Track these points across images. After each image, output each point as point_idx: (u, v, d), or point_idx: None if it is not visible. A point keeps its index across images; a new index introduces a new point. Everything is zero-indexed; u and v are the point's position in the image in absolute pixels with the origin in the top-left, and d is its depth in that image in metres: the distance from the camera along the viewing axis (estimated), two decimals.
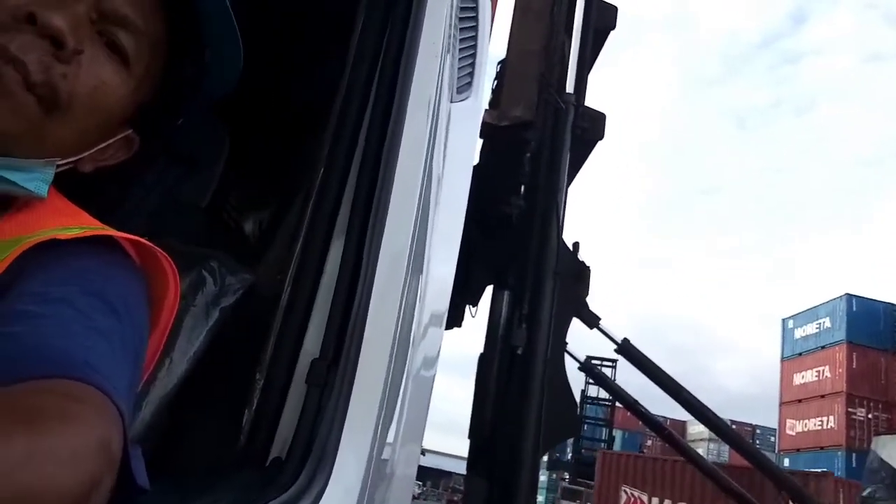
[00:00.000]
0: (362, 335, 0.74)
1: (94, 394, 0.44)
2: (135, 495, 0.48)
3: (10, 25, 0.52)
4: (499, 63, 4.28)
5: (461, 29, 1.42)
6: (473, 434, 4.10)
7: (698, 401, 4.57)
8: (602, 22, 4.61)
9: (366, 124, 0.80)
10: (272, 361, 0.73)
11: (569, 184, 4.30)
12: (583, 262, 4.10)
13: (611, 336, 4.48)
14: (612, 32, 4.73)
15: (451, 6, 1.09)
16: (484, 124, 3.83)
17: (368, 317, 0.76)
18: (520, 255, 4.05)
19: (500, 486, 3.57)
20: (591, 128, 4.45)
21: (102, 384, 0.44)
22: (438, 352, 1.78)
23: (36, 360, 0.44)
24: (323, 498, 0.65)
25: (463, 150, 1.65)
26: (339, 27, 0.84)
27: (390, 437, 0.99)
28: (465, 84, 1.48)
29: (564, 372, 3.93)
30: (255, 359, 0.75)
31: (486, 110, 3.87)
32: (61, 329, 0.48)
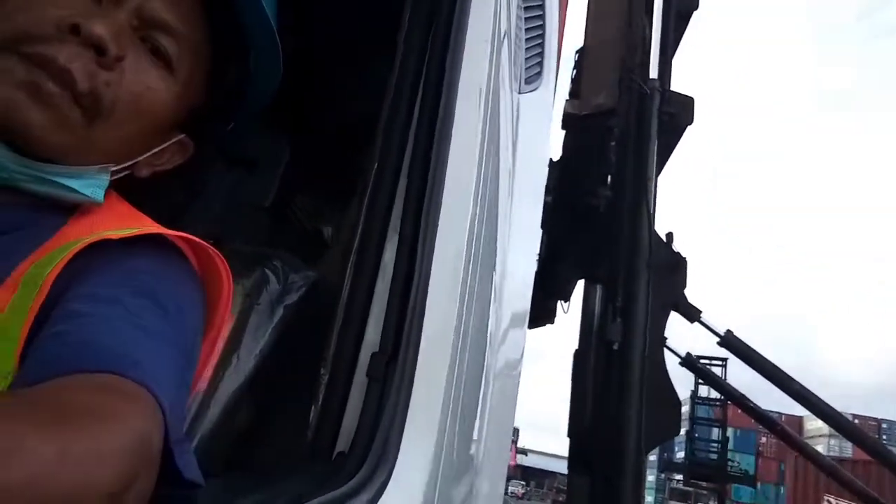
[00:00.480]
0: (420, 330, 0.74)
1: (135, 389, 0.44)
2: (186, 490, 0.48)
3: (55, 37, 0.54)
4: (577, 52, 4.17)
5: (526, 19, 1.39)
6: (573, 432, 4.02)
7: (812, 394, 4.29)
8: (684, 3, 4.43)
9: (415, 119, 0.80)
10: (335, 357, 0.74)
11: (658, 172, 4.15)
12: (678, 253, 3.93)
13: (713, 329, 4.28)
14: (695, 13, 4.53)
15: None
16: (565, 115, 3.72)
17: (427, 312, 0.75)
18: (610, 248, 3.95)
19: (603, 484, 3.49)
20: (678, 113, 4.26)
21: (144, 379, 0.44)
22: (521, 348, 1.76)
23: (79, 356, 0.45)
24: (386, 490, 0.65)
25: (535, 140, 1.63)
26: (384, 25, 0.84)
27: (466, 433, 0.98)
28: (533, 74, 1.45)
29: (665, 369, 3.78)
30: (319, 354, 0.76)
31: (566, 100, 3.78)
32: (107, 326, 0.48)
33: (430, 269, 0.77)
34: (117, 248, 0.56)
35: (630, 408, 3.41)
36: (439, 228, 0.79)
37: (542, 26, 1.38)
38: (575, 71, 4.01)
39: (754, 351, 4.26)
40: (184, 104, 0.65)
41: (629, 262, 3.78)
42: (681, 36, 4.53)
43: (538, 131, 1.45)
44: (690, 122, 4.33)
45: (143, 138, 0.63)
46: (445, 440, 0.81)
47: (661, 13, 4.26)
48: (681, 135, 4.35)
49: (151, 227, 0.60)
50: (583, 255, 4.34)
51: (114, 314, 0.49)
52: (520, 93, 1.31)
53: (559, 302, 5.22)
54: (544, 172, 1.56)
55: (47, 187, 0.58)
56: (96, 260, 0.54)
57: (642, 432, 3.32)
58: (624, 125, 4.00)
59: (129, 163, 0.63)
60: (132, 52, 0.59)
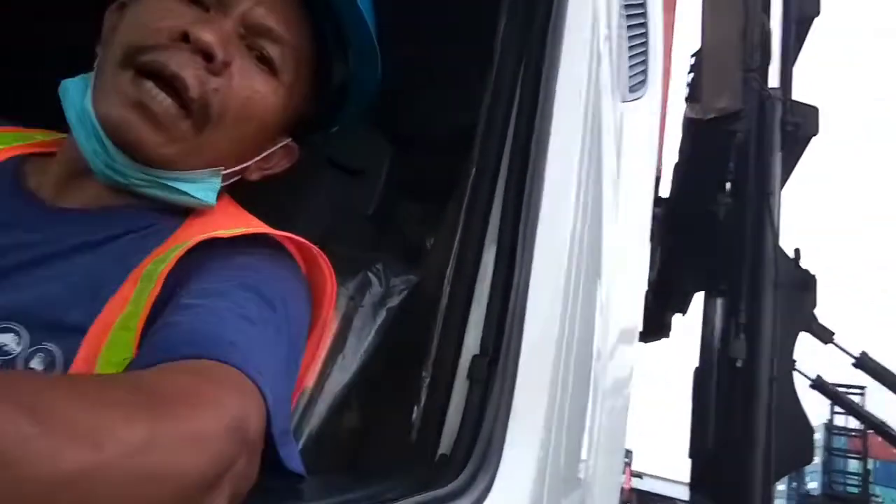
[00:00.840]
0: (521, 333, 0.73)
1: (234, 374, 0.44)
2: (288, 480, 0.49)
3: (168, 45, 0.58)
4: (693, 54, 4.02)
5: (629, 26, 1.36)
6: (695, 453, 3.84)
7: None
8: (804, 9, 4.21)
9: (512, 125, 0.80)
10: (437, 359, 0.74)
11: (782, 185, 3.94)
12: (806, 271, 3.70)
13: (846, 350, 3.96)
14: (816, 19, 4.30)
15: (606, 5, 1.04)
16: (685, 119, 3.61)
17: (528, 315, 0.74)
18: (731, 259, 3.76)
19: None
20: (803, 123, 4.05)
21: (244, 365, 0.45)
22: (631, 364, 1.69)
23: (185, 343, 0.46)
24: (490, 494, 0.64)
25: (642, 150, 1.58)
26: (480, 33, 0.84)
27: (573, 441, 0.96)
28: (638, 82, 1.42)
29: (795, 393, 3.54)
30: (421, 356, 0.76)
31: (687, 105, 3.63)
32: (214, 317, 0.50)
33: (530, 273, 0.76)
34: (227, 246, 0.59)
35: (757, 430, 3.19)
36: (538, 233, 0.78)
37: (646, 33, 1.34)
38: (692, 74, 3.85)
39: (893, 374, 3.89)
40: (289, 108, 0.67)
41: (753, 277, 3.58)
42: (801, 43, 4.30)
43: (644, 141, 1.40)
44: (815, 132, 4.08)
45: (252, 143, 0.66)
46: (551, 446, 0.79)
47: (781, 20, 4.06)
48: (805, 146, 4.11)
49: (259, 226, 0.64)
50: (701, 267, 4.15)
51: (221, 306, 0.51)
52: (623, 101, 1.27)
53: (676, 314, 5.02)
54: (652, 183, 1.50)
55: (163, 192, 0.62)
56: (207, 257, 0.58)
57: (771, 458, 3.10)
58: (747, 131, 3.81)
59: (240, 167, 0.67)
60: (239, 58, 0.62)
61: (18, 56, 1.12)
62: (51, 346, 0.52)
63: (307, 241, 0.64)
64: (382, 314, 0.80)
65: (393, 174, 0.96)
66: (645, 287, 1.52)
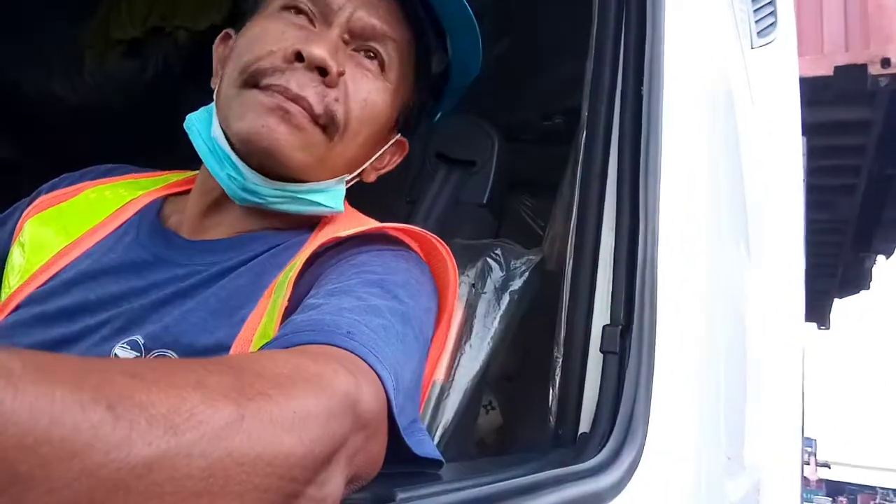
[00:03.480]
0: (654, 298, 0.67)
1: (348, 357, 0.43)
2: (422, 466, 0.48)
3: (284, 67, 0.60)
4: None
5: None
6: None
7: None
8: None
9: (619, 87, 0.75)
10: (567, 336, 0.71)
11: None
12: None
13: None
14: None
15: None
16: (883, 60, 3.21)
17: (660, 280, 0.69)
18: None
19: None
20: None
21: (358, 349, 0.44)
22: (797, 338, 1.53)
23: (300, 332, 0.46)
24: (637, 471, 0.59)
25: (781, 96, 1.44)
26: (578, 15, 0.81)
27: (733, 421, 0.87)
28: (767, 26, 1.30)
29: None
30: (550, 336, 0.73)
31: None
32: (334, 309, 0.50)
33: (657, 242, 0.70)
34: (347, 248, 0.60)
35: None
36: (661, 197, 0.72)
37: None
38: None
39: None
40: (398, 104, 0.68)
41: None
42: None
43: (783, 86, 1.28)
44: None
45: (371, 144, 0.68)
46: (707, 423, 0.72)
47: None
48: None
49: (374, 223, 0.64)
50: None
51: (345, 301, 0.51)
52: (752, 47, 1.17)
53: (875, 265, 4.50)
54: (798, 138, 1.36)
55: (297, 205, 0.64)
56: (330, 261, 0.59)
57: None
58: None
59: (359, 170, 0.68)
60: (349, 64, 0.63)
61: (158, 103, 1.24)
62: None
63: (423, 231, 0.64)
64: (506, 298, 0.78)
65: (504, 164, 0.95)
66: (802, 263, 1.36)
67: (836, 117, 3.44)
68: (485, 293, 0.77)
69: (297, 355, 0.41)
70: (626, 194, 0.70)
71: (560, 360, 0.71)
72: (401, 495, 0.38)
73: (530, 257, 0.80)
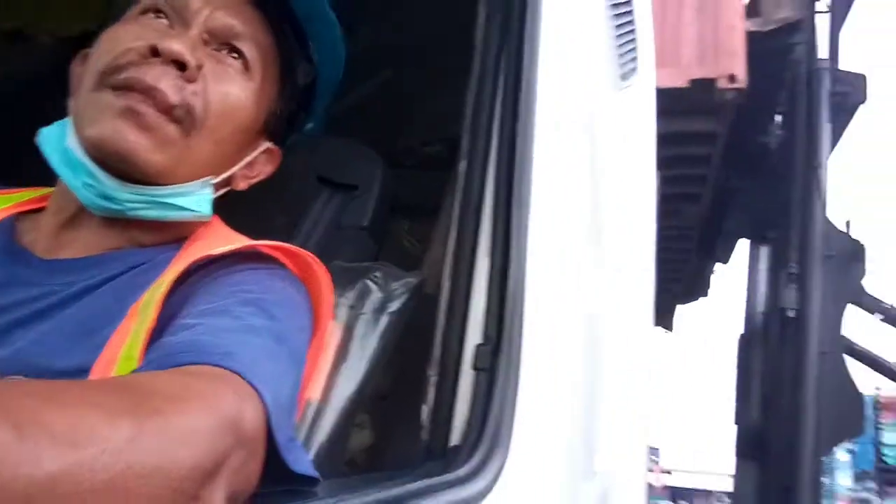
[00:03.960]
0: (522, 318, 0.73)
1: (230, 376, 0.44)
2: (299, 483, 0.48)
3: (139, 61, 0.60)
4: None
5: (615, 15, 1.38)
6: (740, 420, 3.79)
7: None
8: None
9: (497, 120, 0.81)
10: (441, 355, 0.74)
11: (829, 153, 3.89)
12: (857, 241, 3.60)
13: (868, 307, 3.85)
14: None
15: None
16: (747, 34, 3.55)
17: (527, 300, 0.74)
18: (781, 201, 3.68)
19: (777, 482, 3.23)
20: (851, 92, 3.98)
21: (238, 368, 0.45)
22: (646, 349, 1.66)
23: (181, 353, 0.46)
24: (501, 476, 0.63)
25: (639, 132, 1.58)
26: (462, 45, 0.86)
27: (587, 430, 0.94)
28: (629, 70, 1.43)
29: (844, 365, 3.45)
30: (426, 357, 0.77)
31: (747, 20, 3.61)
32: (211, 330, 0.50)
33: (525, 261, 0.76)
34: (219, 266, 0.59)
35: (806, 398, 3.13)
36: (531, 221, 0.78)
37: (632, 18, 1.36)
38: None
39: None
40: (263, 108, 0.68)
41: (801, 245, 3.52)
42: (848, 9, 4.27)
43: (641, 125, 1.41)
44: (863, 100, 4.03)
45: (235, 146, 0.67)
46: (564, 432, 0.79)
47: None
48: (852, 115, 4.07)
49: (246, 241, 0.64)
50: (750, 209, 4.11)
51: (221, 322, 0.51)
52: (617, 88, 1.29)
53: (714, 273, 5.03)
54: (652, 168, 1.51)
55: (158, 210, 0.62)
56: (203, 280, 0.58)
57: (821, 426, 3.02)
58: (808, 43, 3.66)
59: (227, 174, 0.68)
60: (210, 62, 0.63)
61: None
62: None
63: (297, 249, 0.64)
64: (384, 319, 0.80)
65: (386, 189, 0.98)
66: (653, 276, 1.50)
67: (687, 128, 3.72)
68: (364, 314, 0.79)
69: (183, 375, 0.42)
70: (500, 222, 0.75)
71: (434, 379, 0.75)
72: None
73: (409, 280, 0.83)
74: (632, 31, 1.26)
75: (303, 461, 0.49)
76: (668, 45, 3.51)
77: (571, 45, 0.96)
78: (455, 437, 0.69)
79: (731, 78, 3.39)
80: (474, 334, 0.74)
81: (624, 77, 1.31)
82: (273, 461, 0.45)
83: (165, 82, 0.59)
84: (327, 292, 0.65)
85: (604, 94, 1.16)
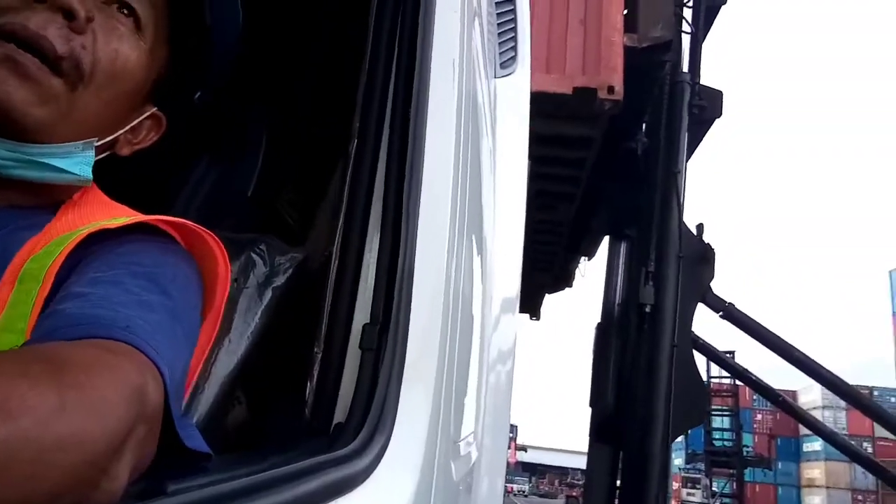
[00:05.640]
0: (410, 299, 0.74)
1: (130, 350, 0.44)
2: (192, 459, 0.48)
3: (21, 6, 0.54)
4: None
5: (496, 4, 1.42)
6: (595, 403, 4.12)
7: (811, 360, 4.44)
8: None
9: (390, 95, 0.81)
10: (328, 333, 0.74)
11: (686, 160, 4.33)
12: (708, 245, 4.03)
13: (713, 306, 4.36)
14: (723, 6, 4.75)
15: None
16: (625, 48, 3.90)
17: (415, 282, 0.76)
18: (642, 200, 4.04)
19: (629, 462, 3.58)
20: (709, 106, 4.37)
21: (139, 344, 0.45)
22: (514, 330, 1.77)
23: (77, 326, 0.45)
24: (385, 455, 0.65)
25: (514, 122, 1.65)
26: (353, 7, 0.85)
27: (462, 410, 0.99)
28: (508, 59, 1.48)
29: (693, 360, 3.89)
30: (312, 333, 0.76)
31: (625, 35, 3.96)
32: (105, 302, 0.49)
33: (416, 243, 0.78)
34: (112, 238, 0.57)
35: (659, 383, 3.50)
36: (421, 205, 0.80)
37: (514, 10, 1.41)
38: (626, 9, 4.15)
39: (755, 322, 4.37)
40: (153, 69, 0.65)
41: (659, 247, 3.88)
42: (709, 27, 4.71)
43: (516, 114, 1.47)
44: (719, 114, 4.50)
45: (121, 107, 0.63)
46: (442, 411, 0.82)
47: (692, 3, 4.44)
48: (708, 127, 4.53)
49: (139, 216, 0.61)
50: (614, 208, 4.49)
51: (113, 293, 0.50)
52: (496, 77, 1.33)
53: (579, 267, 5.55)
54: (524, 158, 1.58)
55: (36, 171, 0.58)
56: (93, 250, 0.55)
57: (670, 415, 3.40)
58: (652, 115, 4.10)
59: (111, 137, 0.63)
60: (99, 15, 0.59)
61: None
62: None
63: (194, 225, 0.62)
64: (268, 294, 0.79)
65: (268, 156, 0.95)
66: (520, 262, 1.59)
67: (568, 132, 4.04)
68: (247, 288, 0.77)
69: (93, 347, 0.42)
70: (391, 203, 0.76)
71: (319, 356, 0.75)
72: (171, 487, 0.39)
73: (294, 255, 0.81)
74: (513, 28, 1.31)
75: (195, 437, 0.49)
76: (554, 53, 3.83)
77: (460, 28, 0.98)
78: (339, 416, 0.70)
79: (611, 89, 3.69)
80: (361, 314, 0.74)
81: (504, 65, 1.36)
82: (168, 437, 0.45)
83: (52, 30, 0.54)
84: (224, 270, 0.64)
85: (485, 81, 1.19)
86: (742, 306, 4.23)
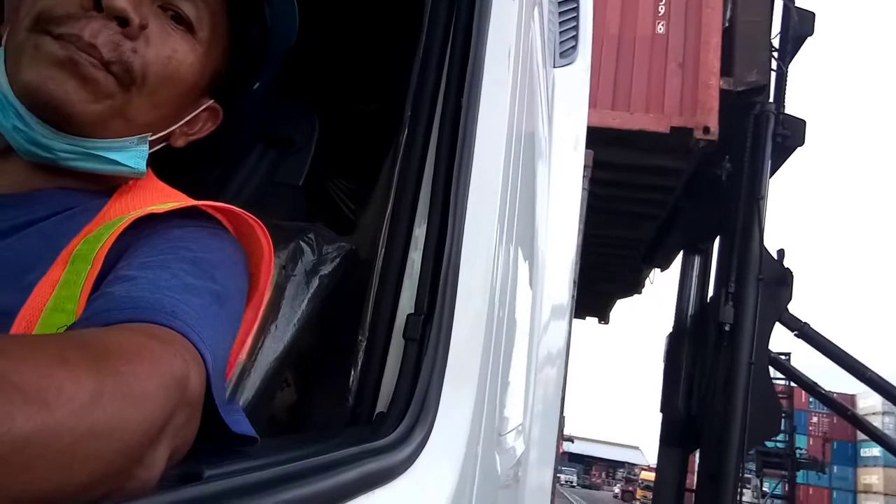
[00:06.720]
0: (455, 290, 0.74)
1: (176, 337, 0.44)
2: (238, 443, 0.49)
3: (80, 15, 0.57)
4: (724, 29, 4.45)
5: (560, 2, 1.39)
6: (665, 409, 4.37)
7: (884, 380, 4.51)
8: (801, 29, 4.74)
9: (442, 87, 0.80)
10: (372, 322, 0.75)
11: None
12: (787, 269, 4.14)
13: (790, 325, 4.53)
14: (808, 38, 4.92)
15: None
16: (721, 91, 4.14)
17: (461, 273, 0.75)
18: (723, 225, 4.31)
19: (703, 468, 3.71)
20: (791, 135, 4.59)
21: (184, 329, 0.45)
22: (564, 333, 1.74)
23: (123, 309, 0.46)
24: (426, 446, 0.65)
25: (572, 113, 1.61)
26: (409, 8, 0.84)
27: (509, 404, 0.98)
28: (568, 48, 1.45)
29: (769, 377, 4.07)
30: (357, 322, 0.77)
31: (721, 78, 4.19)
32: (152, 286, 0.50)
33: (462, 236, 0.77)
34: (161, 222, 0.58)
35: (737, 397, 3.61)
36: (470, 197, 0.79)
37: (577, 8, 1.38)
38: (722, 52, 4.36)
39: (830, 342, 4.45)
40: (209, 68, 0.66)
41: (740, 269, 3.84)
42: (794, 57, 4.88)
43: (575, 101, 1.44)
44: (801, 143, 4.68)
45: (176, 104, 0.65)
46: (486, 404, 0.81)
47: (778, 37, 4.65)
48: (789, 154, 4.74)
49: (189, 200, 0.63)
50: (695, 227, 4.66)
51: (161, 277, 0.51)
52: (555, 66, 1.30)
53: (650, 275, 5.93)
54: (582, 148, 1.55)
55: (93, 163, 0.60)
56: (143, 233, 0.57)
57: (747, 425, 3.51)
58: (738, 145, 4.34)
59: (166, 132, 0.65)
60: (154, 20, 0.61)
61: None
62: None
63: (241, 211, 0.63)
64: (316, 282, 0.80)
65: (323, 147, 0.95)
66: (574, 261, 1.57)
67: (662, 164, 4.35)
68: (295, 276, 0.78)
69: (136, 334, 0.42)
70: (439, 194, 0.75)
71: (364, 344, 0.75)
72: (208, 472, 0.39)
73: (342, 244, 0.82)
74: (574, 17, 1.28)
75: (242, 422, 0.50)
76: (654, 94, 4.11)
77: (517, 16, 0.96)
78: (382, 404, 0.70)
79: (706, 129, 3.92)
80: (406, 304, 0.74)
81: (563, 55, 1.33)
82: (213, 422, 0.46)
83: (103, 39, 0.57)
84: (268, 257, 0.65)
85: (543, 70, 1.17)
86: (802, 310, 4.21)
